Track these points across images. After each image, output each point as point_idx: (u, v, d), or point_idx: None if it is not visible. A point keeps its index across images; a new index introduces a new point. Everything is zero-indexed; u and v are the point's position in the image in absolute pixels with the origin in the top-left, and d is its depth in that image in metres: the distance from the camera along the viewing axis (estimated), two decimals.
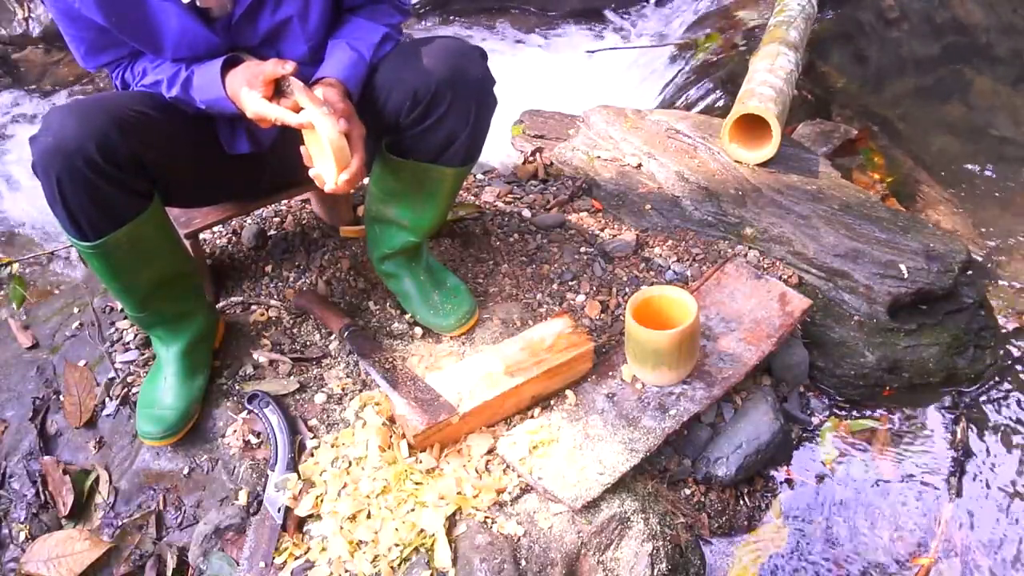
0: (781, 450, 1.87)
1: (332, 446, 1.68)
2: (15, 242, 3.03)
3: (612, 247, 2.17)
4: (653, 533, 1.60)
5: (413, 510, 1.55)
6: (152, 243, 1.60)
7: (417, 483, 1.60)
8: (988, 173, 2.87)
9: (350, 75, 1.56)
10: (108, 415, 1.87)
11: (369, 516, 1.56)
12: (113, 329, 2.02)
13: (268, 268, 2.08)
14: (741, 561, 1.74)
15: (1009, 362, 2.13)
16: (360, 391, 1.80)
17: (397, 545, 1.51)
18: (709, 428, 1.81)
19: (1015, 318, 2.26)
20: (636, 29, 3.95)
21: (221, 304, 1.99)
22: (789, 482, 1.88)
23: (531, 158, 2.61)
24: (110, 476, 1.81)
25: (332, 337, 1.91)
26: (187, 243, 1.85)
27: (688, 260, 2.15)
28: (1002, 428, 2.00)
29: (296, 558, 1.55)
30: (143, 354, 1.95)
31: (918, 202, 2.74)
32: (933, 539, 1.78)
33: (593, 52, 3.72)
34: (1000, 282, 2.40)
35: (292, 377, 1.83)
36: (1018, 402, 2.05)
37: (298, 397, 1.80)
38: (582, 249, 2.17)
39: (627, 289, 2.05)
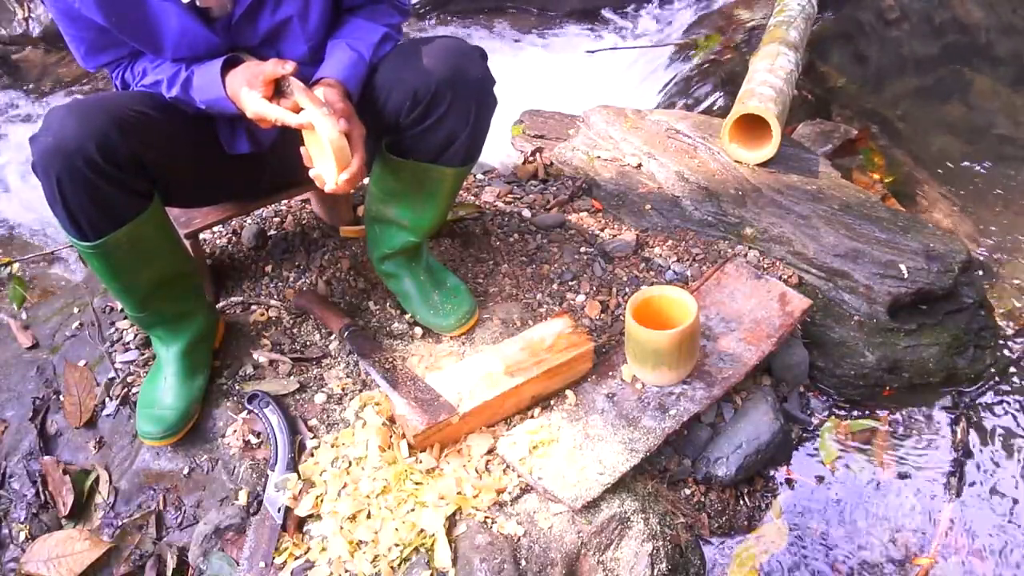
0: (781, 450, 1.87)
1: (332, 446, 1.68)
2: (15, 242, 3.03)
3: (612, 247, 2.17)
4: (653, 533, 1.60)
5: (413, 510, 1.55)
6: (152, 243, 1.60)
7: (417, 483, 1.60)
8: (988, 173, 2.87)
9: (350, 75, 1.56)
10: (108, 415, 1.87)
11: (369, 516, 1.56)
12: (113, 329, 2.02)
13: (268, 268, 2.08)
14: (741, 561, 1.74)
15: (1009, 362, 2.13)
16: (360, 391, 1.80)
17: (397, 545, 1.51)
18: (709, 428, 1.81)
19: (1015, 318, 2.26)
20: (636, 29, 3.95)
21: (221, 304, 1.99)
22: (789, 482, 1.88)
23: (531, 158, 2.61)
24: (110, 476, 1.81)
25: (332, 337, 1.91)
26: (187, 243, 1.85)
27: (688, 260, 2.15)
28: (1002, 428, 2.00)
29: (296, 558, 1.55)
30: (143, 354, 1.95)
31: (918, 202, 2.74)
32: (933, 539, 1.78)
33: (593, 52, 3.72)
34: (1000, 282, 2.40)
35: (292, 377, 1.83)
36: (1018, 402, 2.05)
37: (298, 397, 1.80)
38: (582, 249, 2.17)
39: (627, 289, 2.05)
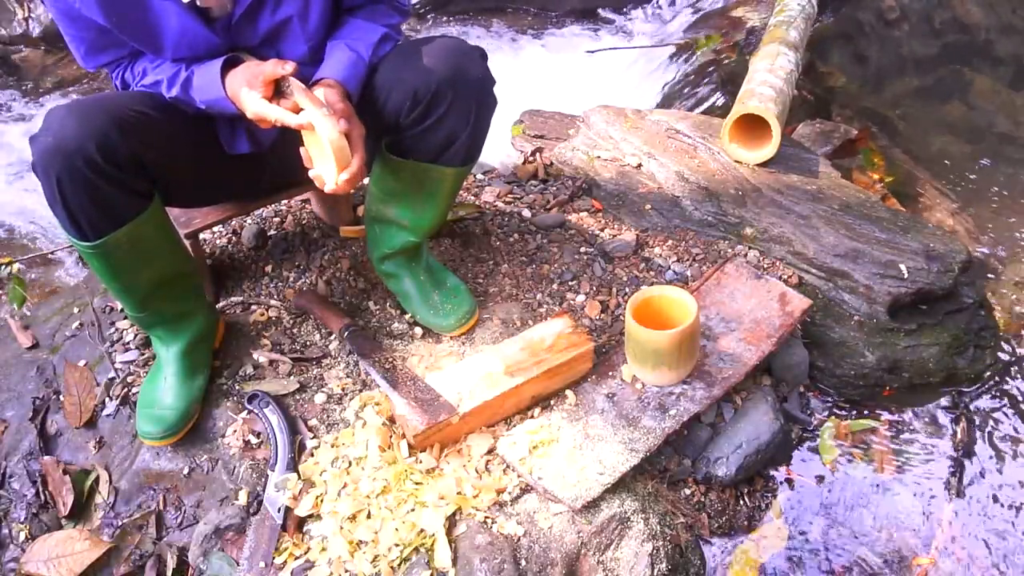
0: (781, 450, 1.87)
1: (332, 446, 1.68)
2: (15, 242, 3.03)
3: (612, 247, 2.17)
4: (653, 533, 1.60)
5: (413, 510, 1.55)
6: (152, 243, 1.60)
7: (417, 483, 1.60)
8: (988, 173, 2.87)
9: (349, 76, 1.56)
10: (108, 415, 1.87)
11: (369, 516, 1.56)
12: (113, 329, 2.02)
13: (268, 268, 2.08)
14: (741, 561, 1.74)
15: (1009, 362, 2.13)
16: (360, 391, 1.80)
17: (397, 545, 1.51)
18: (709, 428, 1.81)
19: (1015, 318, 2.26)
20: (636, 29, 3.95)
21: (221, 304, 1.99)
22: (789, 482, 1.88)
23: (531, 158, 2.61)
24: (110, 476, 1.81)
25: (332, 337, 1.91)
26: (187, 243, 1.85)
27: (688, 260, 2.15)
28: (1002, 428, 2.00)
29: (296, 558, 1.55)
30: (143, 354, 1.95)
31: (918, 202, 2.74)
32: (933, 539, 1.78)
33: (593, 52, 3.72)
34: (1000, 282, 2.40)
35: (292, 377, 1.83)
36: (1018, 402, 2.05)
37: (298, 397, 1.80)
38: (582, 249, 2.17)
39: (627, 289, 2.05)
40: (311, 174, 1.50)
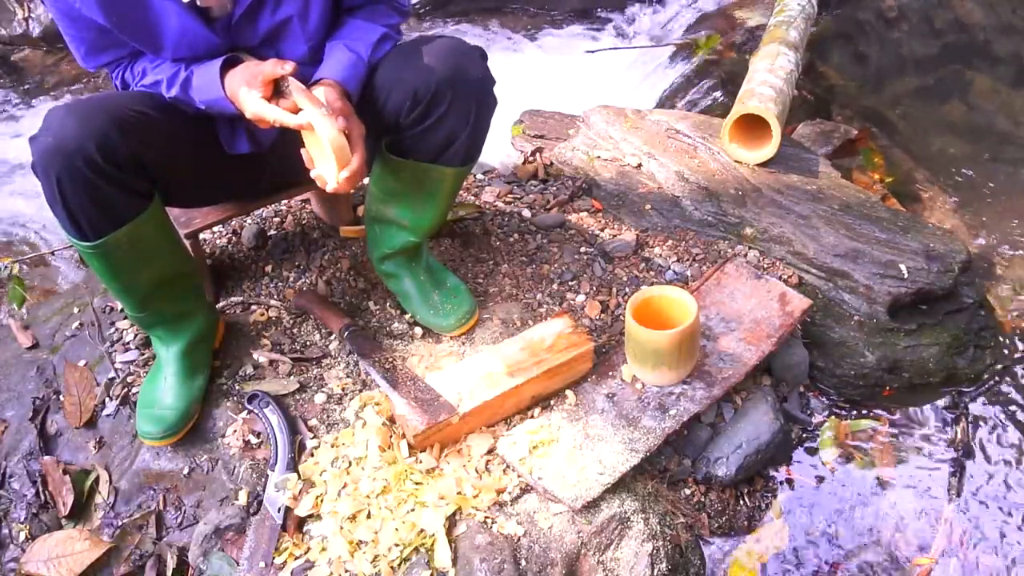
0: (781, 450, 1.87)
1: (332, 446, 1.68)
2: (15, 242, 3.03)
3: (612, 247, 2.17)
4: (653, 533, 1.60)
5: (413, 510, 1.55)
6: (152, 243, 1.60)
7: (417, 483, 1.60)
8: (988, 173, 2.87)
9: (348, 76, 1.56)
10: (108, 415, 1.87)
11: (369, 516, 1.56)
12: (113, 329, 2.02)
13: (268, 268, 2.08)
14: (741, 561, 1.74)
15: (1009, 362, 2.13)
16: (360, 391, 1.80)
17: (397, 545, 1.51)
18: (709, 428, 1.81)
19: (1015, 318, 2.26)
20: (636, 29, 3.95)
21: (221, 304, 1.99)
22: (789, 482, 1.88)
23: (531, 158, 2.61)
24: (110, 476, 1.81)
25: (332, 337, 1.91)
26: (187, 243, 1.85)
27: (688, 260, 2.15)
28: (1002, 428, 2.00)
29: (296, 558, 1.55)
30: (143, 354, 1.95)
31: (918, 202, 2.74)
32: (933, 539, 1.78)
33: (593, 52, 3.72)
34: (1000, 282, 2.40)
35: (292, 377, 1.83)
36: (1018, 402, 2.05)
37: (298, 397, 1.80)
38: (582, 249, 2.17)
39: (627, 289, 2.05)
40: (312, 174, 1.50)
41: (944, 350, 2.04)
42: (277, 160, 1.74)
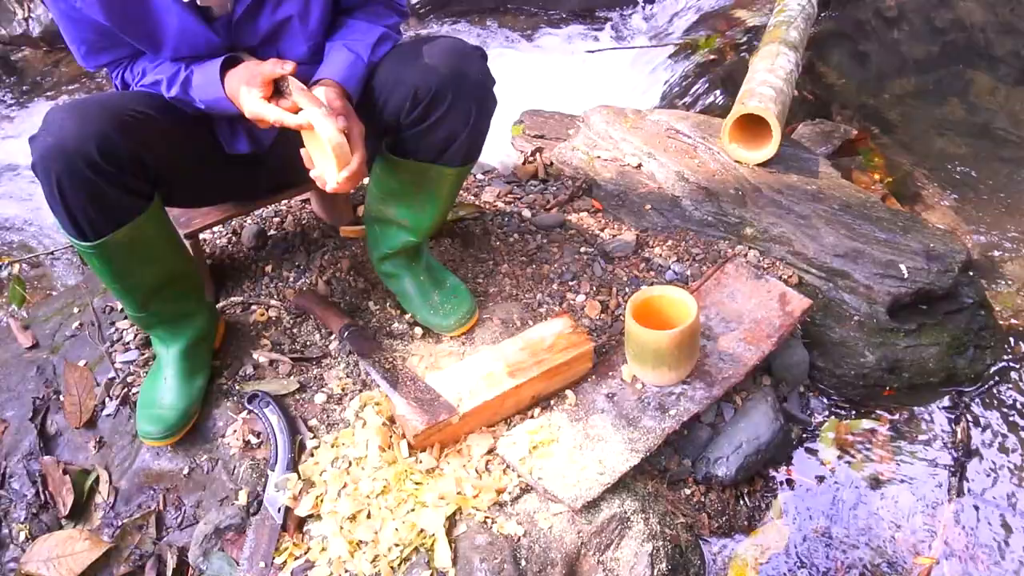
0: (781, 450, 1.87)
1: (332, 446, 1.68)
2: (15, 242, 3.03)
3: (612, 247, 2.17)
4: (653, 533, 1.60)
5: (413, 510, 1.55)
6: (152, 243, 1.60)
7: (417, 483, 1.60)
8: (988, 173, 2.87)
9: (348, 76, 1.56)
10: (108, 415, 1.87)
11: (369, 516, 1.56)
12: (113, 329, 2.02)
13: (268, 268, 2.08)
14: (741, 561, 1.74)
15: (1009, 362, 2.13)
16: (360, 391, 1.80)
17: (397, 545, 1.51)
18: (709, 428, 1.81)
19: (1015, 318, 2.26)
20: (635, 29, 3.95)
21: (221, 304, 1.99)
22: (789, 482, 1.88)
23: (531, 158, 2.61)
24: (110, 476, 1.81)
25: (332, 337, 1.91)
26: (187, 243, 1.85)
27: (688, 260, 2.15)
28: (1002, 428, 2.00)
29: (296, 558, 1.55)
30: (143, 354, 1.94)
31: (918, 202, 2.74)
32: (933, 539, 1.78)
33: (593, 52, 3.72)
34: (1000, 282, 2.40)
35: (292, 377, 1.83)
36: (1018, 402, 2.05)
37: (298, 397, 1.79)
38: (582, 249, 2.17)
39: (627, 289, 2.05)
40: (312, 174, 1.50)
41: (944, 350, 2.04)
42: (277, 160, 1.74)
